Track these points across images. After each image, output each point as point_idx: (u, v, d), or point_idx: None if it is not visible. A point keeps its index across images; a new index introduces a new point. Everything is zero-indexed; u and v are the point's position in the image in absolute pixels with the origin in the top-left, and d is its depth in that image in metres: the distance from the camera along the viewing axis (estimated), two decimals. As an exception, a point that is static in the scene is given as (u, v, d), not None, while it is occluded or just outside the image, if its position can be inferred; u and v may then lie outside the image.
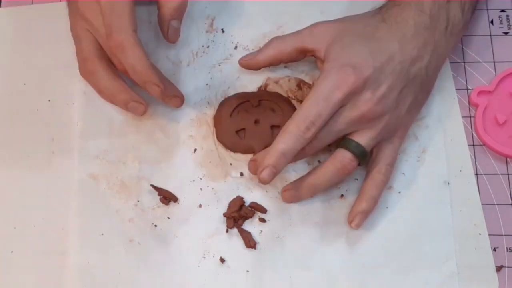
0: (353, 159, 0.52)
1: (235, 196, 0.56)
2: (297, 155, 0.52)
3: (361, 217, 0.54)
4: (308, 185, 0.54)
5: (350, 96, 0.51)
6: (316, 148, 0.53)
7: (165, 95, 0.55)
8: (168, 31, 0.56)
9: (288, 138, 0.51)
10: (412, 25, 0.53)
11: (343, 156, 0.52)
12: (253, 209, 0.56)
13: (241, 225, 0.56)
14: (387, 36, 0.53)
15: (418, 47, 0.53)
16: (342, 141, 0.53)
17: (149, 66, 0.53)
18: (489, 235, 0.55)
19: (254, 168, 0.53)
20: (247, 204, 0.56)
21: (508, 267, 0.54)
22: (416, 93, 0.54)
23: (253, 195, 0.57)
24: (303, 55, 0.57)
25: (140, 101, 0.55)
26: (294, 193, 0.55)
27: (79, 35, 0.56)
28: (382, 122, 0.52)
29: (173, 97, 0.57)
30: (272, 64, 0.58)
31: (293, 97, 0.60)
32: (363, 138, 0.52)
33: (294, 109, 0.59)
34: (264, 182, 0.51)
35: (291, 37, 0.57)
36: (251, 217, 0.56)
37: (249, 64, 0.58)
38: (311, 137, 0.51)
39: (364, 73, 0.51)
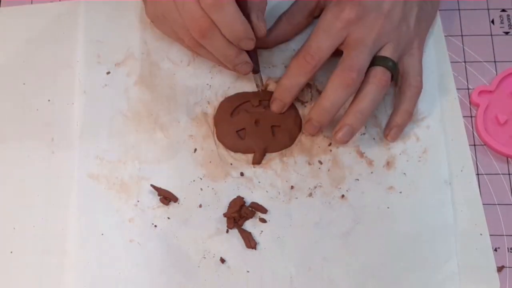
0: (386, 72, 0.54)
1: (235, 196, 0.56)
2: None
3: (396, 131, 0.57)
4: (356, 113, 0.55)
5: (353, 23, 0.54)
6: (362, 71, 0.54)
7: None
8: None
9: (289, 73, 0.56)
10: None
11: (376, 72, 0.54)
12: (253, 209, 0.56)
13: (242, 225, 0.55)
14: None
15: None
16: (372, 61, 0.55)
17: (247, 22, 0.53)
18: (490, 235, 0.55)
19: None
20: (247, 204, 0.56)
21: (509, 267, 0.54)
22: (420, 4, 0.57)
23: (253, 195, 0.57)
24: (313, 17, 0.61)
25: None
26: (348, 130, 0.55)
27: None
28: (397, 32, 0.55)
29: (244, 63, 0.56)
30: (288, 38, 0.61)
31: (294, 97, 0.60)
32: (387, 52, 0.55)
33: (294, 108, 0.59)
34: (275, 111, 0.58)
35: (298, 7, 0.60)
36: (251, 217, 0.56)
37: (265, 42, 0.60)
38: (313, 69, 0.55)
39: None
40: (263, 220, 0.55)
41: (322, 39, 0.54)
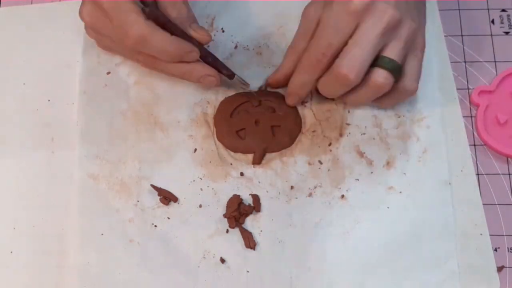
0: (388, 77, 0.52)
1: (234, 197, 0.56)
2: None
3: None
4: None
5: (362, 14, 0.51)
6: (361, 72, 0.52)
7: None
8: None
9: (302, 70, 0.54)
10: None
11: (378, 76, 0.52)
12: (250, 205, 0.56)
13: (243, 222, 0.55)
14: None
15: None
16: (375, 60, 0.52)
17: (177, 39, 0.53)
18: (490, 235, 0.55)
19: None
20: (245, 201, 0.56)
21: (509, 267, 0.54)
22: None
23: (253, 195, 0.57)
24: None
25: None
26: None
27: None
28: (405, 28, 0.52)
29: (206, 76, 0.56)
30: None
31: (294, 97, 0.60)
32: (393, 52, 0.52)
33: (294, 109, 0.59)
34: (291, 105, 0.58)
35: (299, 39, 0.56)
36: (251, 213, 0.56)
37: (278, 80, 0.58)
38: (325, 66, 0.52)
39: None
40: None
41: (332, 37, 0.51)
